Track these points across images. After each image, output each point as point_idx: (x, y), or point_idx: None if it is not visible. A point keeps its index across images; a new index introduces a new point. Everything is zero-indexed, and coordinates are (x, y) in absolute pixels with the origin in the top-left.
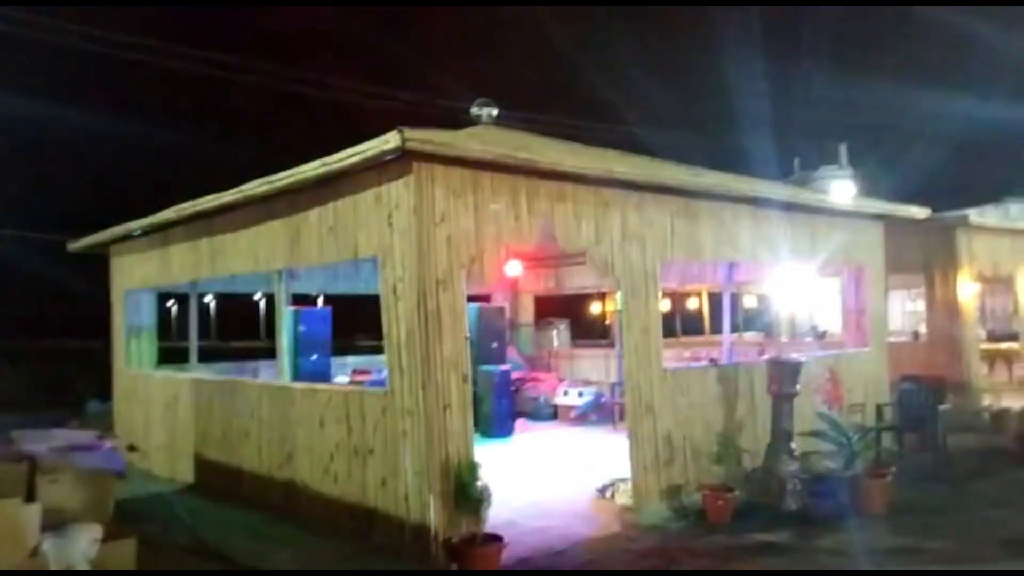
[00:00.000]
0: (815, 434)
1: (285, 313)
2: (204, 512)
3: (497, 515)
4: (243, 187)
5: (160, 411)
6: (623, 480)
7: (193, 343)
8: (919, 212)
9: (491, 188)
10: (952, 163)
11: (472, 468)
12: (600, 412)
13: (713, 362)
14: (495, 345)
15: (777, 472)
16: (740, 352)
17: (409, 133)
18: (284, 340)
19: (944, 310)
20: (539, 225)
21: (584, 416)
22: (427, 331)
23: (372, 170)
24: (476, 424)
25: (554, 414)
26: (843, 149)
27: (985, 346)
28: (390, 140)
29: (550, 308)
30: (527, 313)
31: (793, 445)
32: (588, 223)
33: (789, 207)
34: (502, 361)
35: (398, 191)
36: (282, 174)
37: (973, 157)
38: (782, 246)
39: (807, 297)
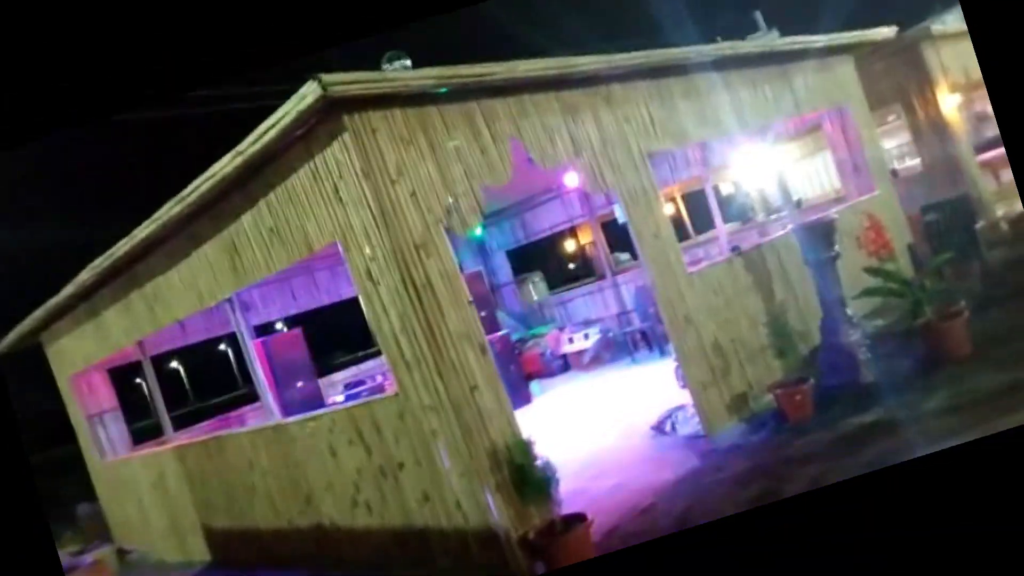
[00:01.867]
0: (870, 292)
1: (251, 346)
2: None
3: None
4: (154, 216)
5: (149, 494)
6: (679, 409)
7: (161, 411)
8: (888, 31)
9: (444, 123)
10: None
11: (524, 447)
12: (612, 349)
13: (735, 250)
14: (484, 313)
15: (841, 346)
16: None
17: (329, 77)
18: (260, 375)
19: (932, 132)
20: (509, 150)
21: (597, 358)
22: (423, 308)
23: (299, 143)
24: None
25: (565, 365)
26: (758, 15)
27: (983, 156)
28: (308, 93)
29: (526, 259)
30: (504, 272)
31: (849, 311)
32: (561, 134)
33: (762, 60)
34: (495, 328)
35: (336, 156)
36: (193, 184)
37: None
38: (765, 107)
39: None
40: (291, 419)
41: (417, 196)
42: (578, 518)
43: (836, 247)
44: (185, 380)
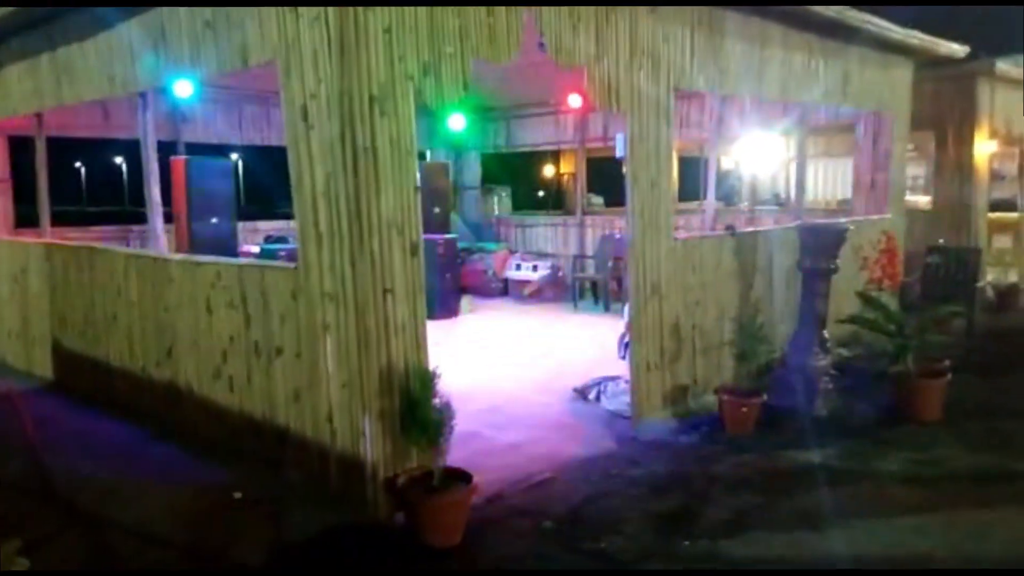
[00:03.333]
0: (856, 320)
1: (149, 155)
2: (61, 422)
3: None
4: None
5: (8, 284)
6: (611, 379)
7: (43, 200)
8: (959, 49)
9: None
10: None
11: (426, 379)
12: (557, 290)
13: (730, 230)
14: (438, 210)
15: (805, 368)
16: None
17: None
18: (153, 194)
19: (954, 173)
20: (521, 27)
21: (539, 292)
22: (357, 177)
23: None
24: None
25: (504, 289)
26: None
27: (994, 215)
28: None
29: (498, 170)
30: (472, 175)
31: (826, 334)
32: (587, 31)
33: (829, 29)
34: (446, 229)
35: None
36: None
37: None
38: (813, 82)
39: (772, 161)
40: (174, 256)
41: (393, 36)
42: (461, 477)
43: (838, 260)
44: (84, 180)
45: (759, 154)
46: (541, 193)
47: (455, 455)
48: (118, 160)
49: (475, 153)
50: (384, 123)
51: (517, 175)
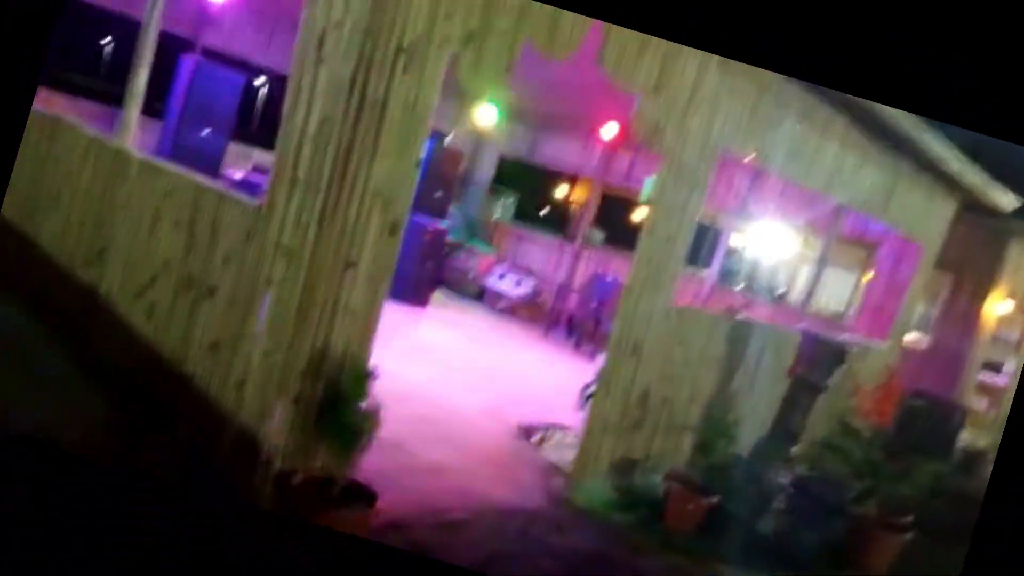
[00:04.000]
0: (831, 447)
1: (148, 42)
2: None
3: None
4: None
5: None
6: (560, 428)
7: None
8: (1008, 200)
9: None
10: None
11: (360, 377)
12: (531, 311)
13: (731, 313)
14: (439, 194)
15: (763, 479)
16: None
17: None
18: (138, 82)
19: (959, 323)
20: (585, 30)
21: (512, 310)
22: (356, 130)
23: None
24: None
25: (479, 295)
26: None
27: (983, 376)
28: None
29: (511, 176)
30: (486, 169)
31: (794, 450)
32: (654, 58)
33: (891, 137)
34: (442, 216)
35: None
36: None
37: None
38: (859, 187)
39: (780, 253)
40: (136, 153)
41: None
42: (365, 496)
43: (831, 380)
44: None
45: (771, 242)
46: (545, 211)
47: (371, 462)
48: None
49: (496, 151)
50: (404, 81)
51: (530, 187)
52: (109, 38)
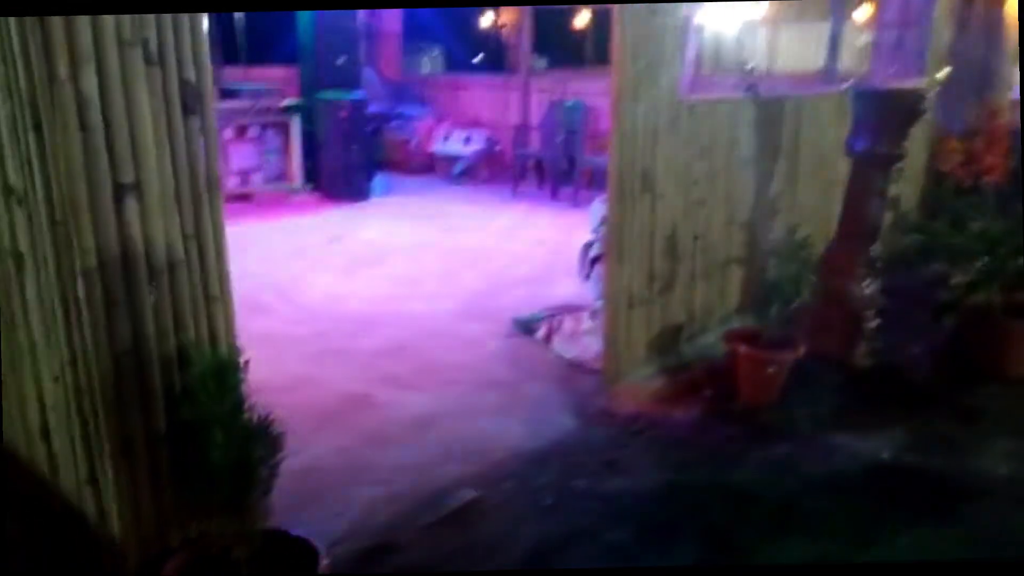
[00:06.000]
0: (923, 230)
1: None
2: None
3: (334, 371)
4: None
5: None
6: (568, 312)
7: None
8: None
9: None
10: None
11: (225, 376)
12: (492, 167)
13: (751, 91)
14: (342, 60)
15: (845, 297)
16: None
17: None
18: None
19: (981, 37)
20: None
21: (470, 172)
22: None
23: None
24: (313, 179)
25: (428, 166)
26: None
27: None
28: None
29: (425, 16)
30: (395, 18)
31: (876, 249)
32: None
33: None
34: (355, 86)
35: None
36: None
37: None
38: None
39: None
40: None
41: None
42: (298, 551)
43: (906, 142)
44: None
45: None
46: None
47: (322, 442)
48: None
49: None
50: None
51: (446, 28)
52: None
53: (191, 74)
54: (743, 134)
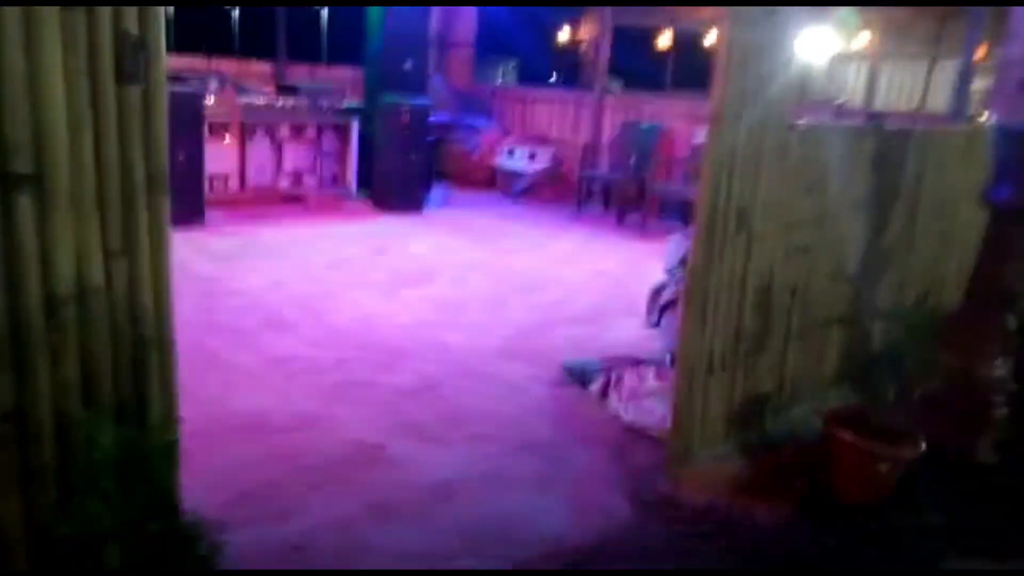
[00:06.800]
0: None
1: None
2: None
3: (349, 411)
4: None
5: None
6: (631, 363)
7: None
8: None
9: None
10: None
11: (140, 467)
12: (556, 187)
13: (874, 120)
14: (409, 64)
15: (971, 377)
16: None
17: None
18: None
19: None
20: None
21: (532, 191)
22: None
23: None
24: (367, 185)
25: (491, 180)
26: None
27: None
28: None
29: (503, 29)
30: (465, 31)
31: (1012, 322)
32: None
33: None
34: (420, 91)
35: None
36: None
37: None
38: None
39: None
40: None
41: None
42: None
43: None
44: None
45: (809, 47)
46: (553, 78)
47: (317, 509)
48: None
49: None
50: None
51: (522, 42)
52: None
53: (132, 24)
54: (860, 170)
